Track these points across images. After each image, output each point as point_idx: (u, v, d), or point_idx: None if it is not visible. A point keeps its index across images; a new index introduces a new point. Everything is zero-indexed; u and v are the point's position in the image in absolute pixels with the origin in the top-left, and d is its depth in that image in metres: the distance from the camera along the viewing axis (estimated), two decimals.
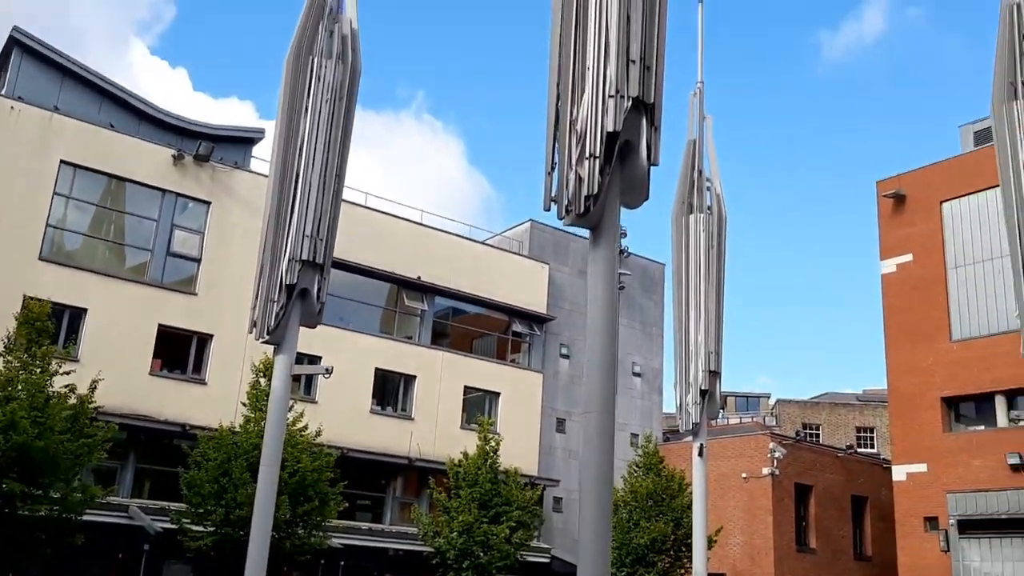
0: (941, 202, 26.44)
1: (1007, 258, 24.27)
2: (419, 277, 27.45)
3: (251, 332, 12.72)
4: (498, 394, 28.87)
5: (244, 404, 19.03)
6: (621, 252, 35.71)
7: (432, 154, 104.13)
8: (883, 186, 28.07)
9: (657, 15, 7.17)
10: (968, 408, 24.53)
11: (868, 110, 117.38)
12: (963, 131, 30.13)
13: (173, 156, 23.19)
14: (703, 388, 18.31)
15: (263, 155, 25.19)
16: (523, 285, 30.53)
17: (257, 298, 12.54)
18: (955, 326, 24.67)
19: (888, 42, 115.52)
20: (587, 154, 6.75)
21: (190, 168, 23.42)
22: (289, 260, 12.38)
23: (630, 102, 6.80)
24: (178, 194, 23.40)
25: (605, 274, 6.99)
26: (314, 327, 13.39)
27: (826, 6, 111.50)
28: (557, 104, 7.30)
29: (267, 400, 18.64)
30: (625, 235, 36.16)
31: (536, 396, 29.97)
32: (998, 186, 25.42)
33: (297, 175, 12.77)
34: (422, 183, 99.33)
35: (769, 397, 62.41)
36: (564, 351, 32.13)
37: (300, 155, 12.87)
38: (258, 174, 24.34)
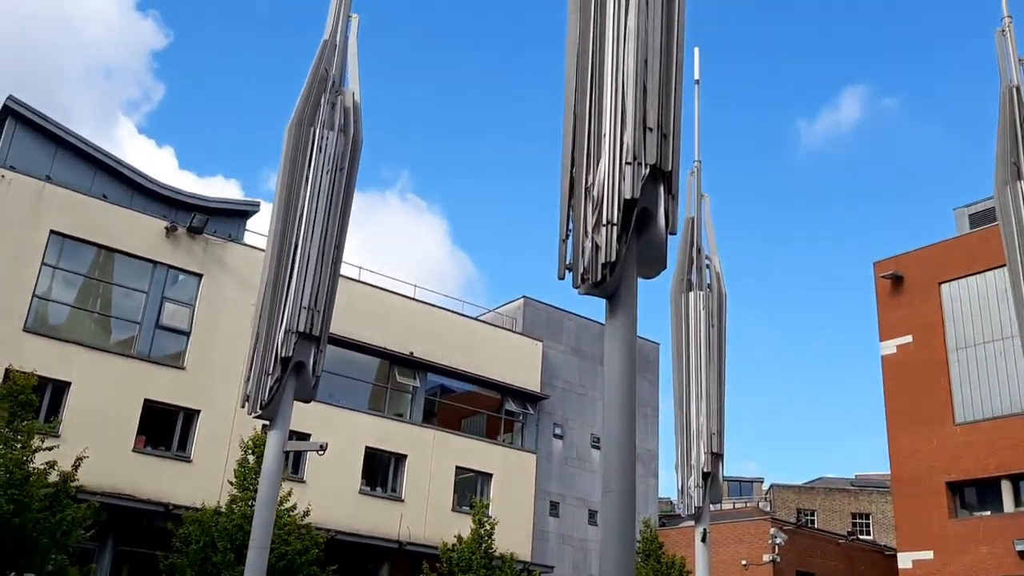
0: (940, 283, 26.54)
1: (1009, 340, 24.32)
2: (412, 353, 27.13)
3: (243, 406, 12.35)
4: (490, 475, 28.25)
5: (231, 482, 18.46)
6: None
7: (416, 233, 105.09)
8: (881, 267, 28.21)
9: (673, 85, 7.14)
10: (973, 493, 24.13)
11: (848, 195, 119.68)
12: (958, 214, 30.46)
13: (166, 228, 23.09)
14: (705, 471, 17.92)
15: (258, 229, 25.14)
16: (516, 362, 30.22)
17: (251, 371, 12.23)
18: (958, 409, 24.47)
19: (865, 130, 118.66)
20: (604, 221, 6.61)
21: (183, 240, 23.30)
22: (285, 332, 12.13)
23: (648, 169, 6.72)
24: (169, 266, 23.21)
25: (623, 347, 6.78)
26: (309, 402, 13.05)
27: (804, 96, 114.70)
28: (571, 170, 7.20)
29: (256, 478, 18.15)
30: None
31: (529, 478, 29.34)
32: (997, 268, 25.70)
33: (296, 245, 12.62)
34: (406, 262, 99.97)
35: (762, 482, 61.63)
36: (558, 431, 31.64)
37: (299, 225, 12.75)
38: (252, 247, 24.21)
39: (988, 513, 23.42)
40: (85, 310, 22.75)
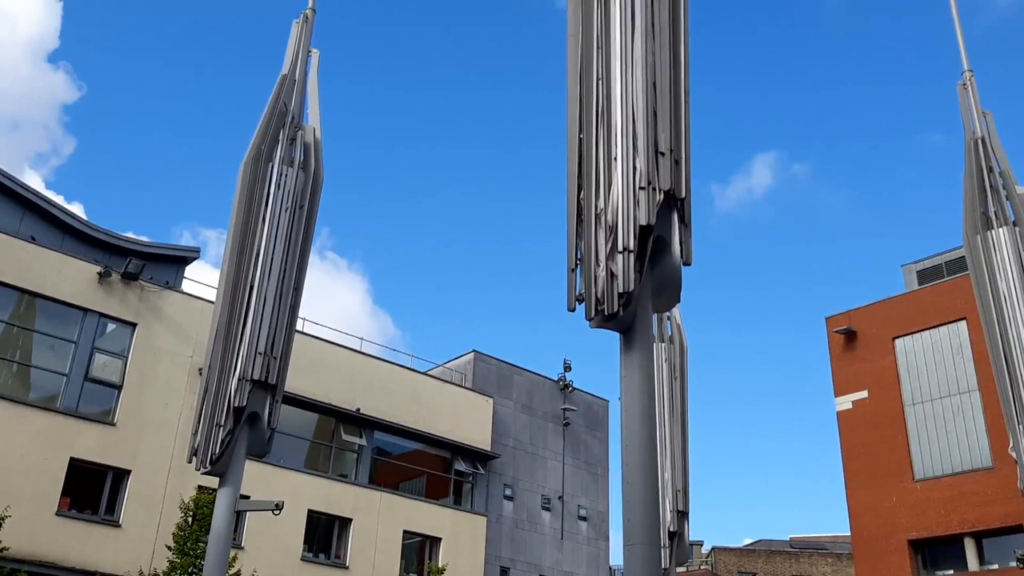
0: (894, 338, 26.84)
1: (966, 395, 24.62)
2: (358, 409, 26.22)
3: (190, 461, 11.50)
4: (439, 539, 27.25)
5: (169, 547, 17.25)
6: (567, 386, 35.15)
7: (336, 292, 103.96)
8: (833, 322, 28.46)
9: (682, 111, 6.87)
10: (936, 551, 24.05)
11: (764, 258, 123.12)
12: (906, 270, 31.07)
13: (99, 273, 22.00)
14: (671, 530, 17.51)
15: (197, 276, 24.19)
16: (466, 419, 29.49)
17: (199, 423, 11.42)
18: (917, 465, 24.53)
19: (777, 195, 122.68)
20: (620, 247, 6.23)
21: (116, 287, 22.22)
22: (239, 380, 11.39)
23: (662, 195, 6.40)
24: (101, 314, 22.05)
25: (641, 382, 6.33)
26: (262, 457, 12.27)
27: (716, 162, 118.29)
28: (579, 196, 6.83)
29: (197, 543, 17.07)
30: (570, 368, 35.74)
31: (480, 541, 28.41)
32: (952, 322, 26.08)
33: (251, 286, 11.96)
34: (327, 321, 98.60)
35: (702, 544, 61.32)
36: (508, 492, 30.84)
37: (255, 265, 12.11)
38: (191, 296, 23.24)
39: (951, 572, 23.34)
40: (4, 359, 21.39)
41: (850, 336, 27.81)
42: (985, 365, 24.08)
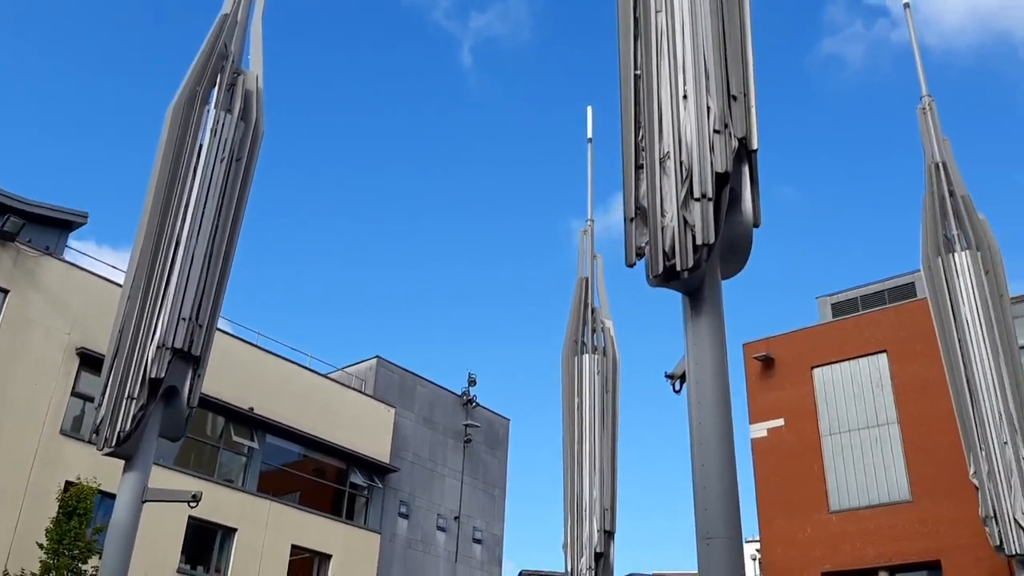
0: (812, 367, 27.15)
1: (884, 427, 25.02)
2: (251, 409, 24.54)
3: (91, 440, 10.12)
4: (329, 557, 25.74)
5: (41, 545, 15.30)
6: (470, 402, 34.24)
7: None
8: (751, 348, 28.62)
9: (749, 57, 6.23)
10: None
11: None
12: (820, 302, 31.68)
13: None
14: (598, 551, 16.89)
15: (81, 246, 22.12)
16: (366, 429, 28.18)
17: (105, 395, 10.06)
18: (833, 496, 24.70)
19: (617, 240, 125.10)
20: (697, 194, 5.50)
21: None
22: (157, 348, 10.10)
23: (736, 143, 5.74)
24: None
25: (714, 353, 5.58)
26: (177, 440, 10.93)
27: (577, 201, 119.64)
28: (637, 139, 6.07)
29: (76, 541, 15.21)
30: (475, 383, 34.86)
31: (372, 561, 27.06)
32: (872, 355, 26.53)
33: (177, 242, 10.69)
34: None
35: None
36: (403, 509, 29.62)
37: (183, 219, 10.85)
38: (73, 265, 21.19)
39: None
40: None
41: (768, 363, 27.99)
42: (905, 398, 24.66)
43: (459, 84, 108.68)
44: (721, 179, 5.68)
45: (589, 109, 21.67)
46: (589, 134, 21.41)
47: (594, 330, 18.97)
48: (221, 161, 11.37)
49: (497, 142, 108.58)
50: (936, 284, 15.19)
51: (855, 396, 25.94)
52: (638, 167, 6.10)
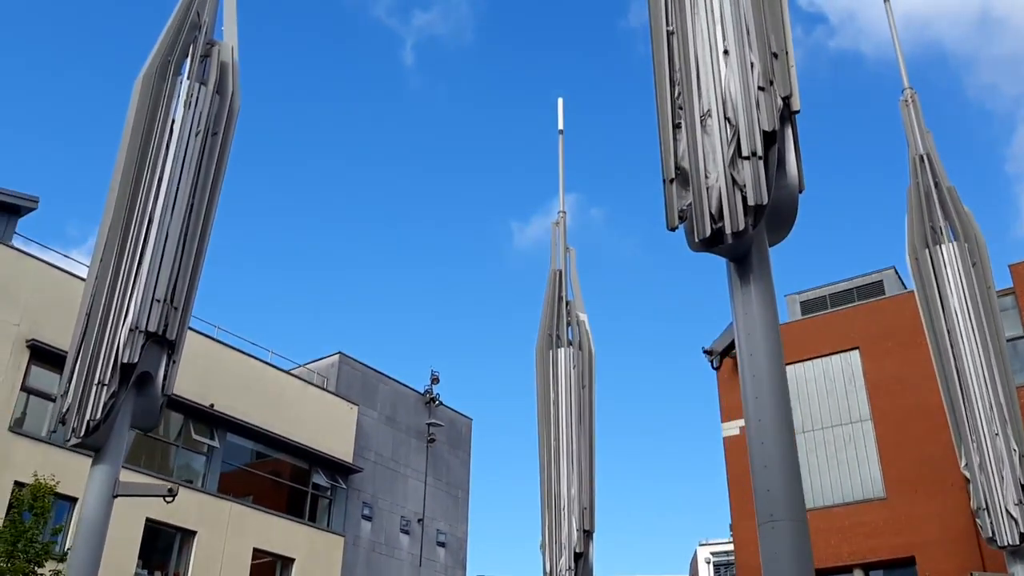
0: (784, 365, 27.15)
1: (858, 424, 25.08)
2: (212, 405, 23.76)
3: (56, 430, 9.45)
4: (292, 560, 25.05)
5: None
6: (433, 400, 33.71)
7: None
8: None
9: (787, 16, 5.90)
10: None
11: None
12: (789, 300, 31.74)
13: None
14: (577, 551, 16.52)
15: (31, 233, 21.17)
16: (328, 427, 27.52)
17: (71, 382, 9.41)
18: (807, 494, 24.61)
19: (572, 238, 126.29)
20: (745, 152, 5.13)
21: None
22: (130, 331, 9.49)
23: (780, 103, 5.40)
24: None
25: (766, 321, 5.27)
26: (150, 430, 10.32)
27: (517, 202, 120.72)
28: (673, 97, 5.69)
29: (33, 544, 14.39)
30: (438, 380, 34.32)
31: (335, 564, 26.42)
32: (845, 351, 26.58)
33: (150, 219, 10.10)
34: None
35: None
36: (367, 511, 29.00)
37: (156, 195, 10.26)
38: (22, 253, 20.27)
39: None
40: None
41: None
42: (878, 395, 24.71)
43: (400, 82, 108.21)
44: (768, 138, 5.30)
45: (560, 101, 21.27)
46: (560, 125, 21.03)
47: (568, 323, 18.62)
48: (196, 135, 10.79)
49: (439, 141, 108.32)
50: (924, 275, 15.10)
51: (827, 393, 25.96)
52: (675, 126, 5.69)
